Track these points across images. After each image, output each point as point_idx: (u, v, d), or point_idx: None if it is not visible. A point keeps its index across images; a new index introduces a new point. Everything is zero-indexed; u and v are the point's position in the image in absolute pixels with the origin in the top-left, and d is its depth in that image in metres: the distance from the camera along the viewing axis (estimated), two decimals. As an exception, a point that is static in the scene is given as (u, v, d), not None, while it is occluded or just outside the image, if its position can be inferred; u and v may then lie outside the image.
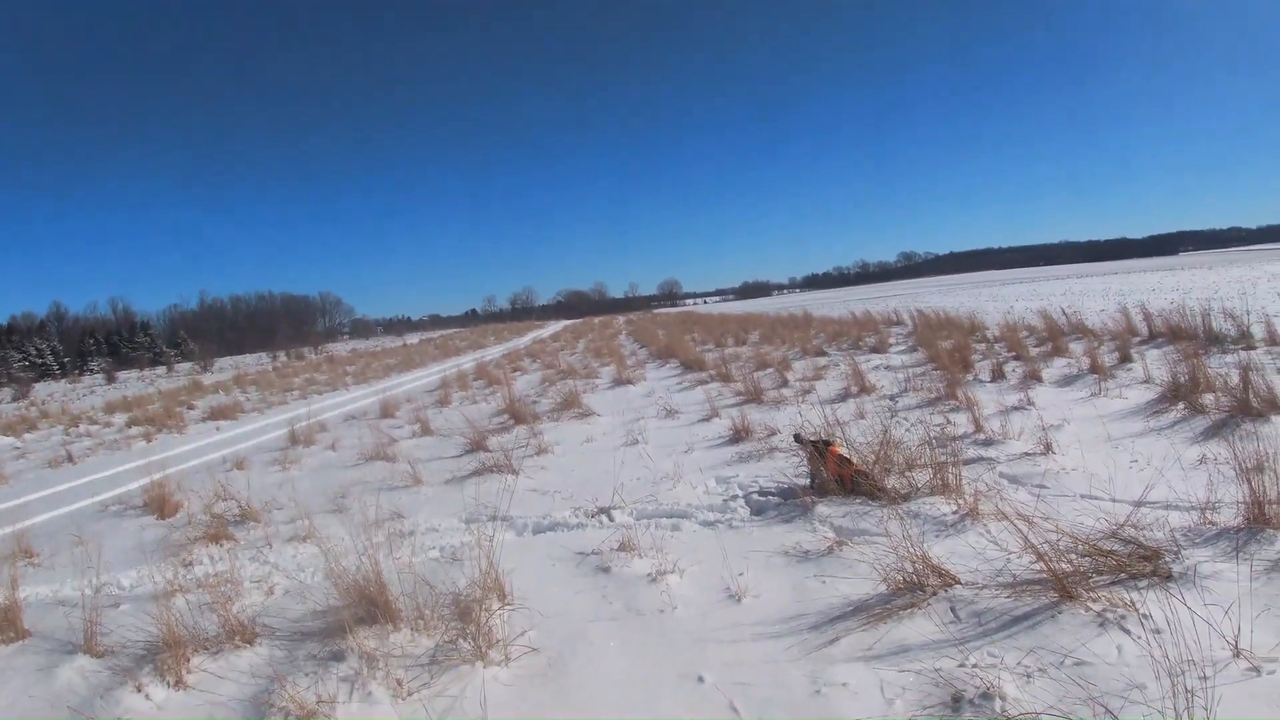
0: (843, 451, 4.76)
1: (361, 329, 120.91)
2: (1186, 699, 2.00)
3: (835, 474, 4.60)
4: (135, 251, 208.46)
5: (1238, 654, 2.38)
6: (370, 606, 3.32)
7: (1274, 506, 3.30)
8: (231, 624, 3.41)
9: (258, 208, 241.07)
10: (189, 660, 3.21)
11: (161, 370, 62.16)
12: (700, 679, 2.70)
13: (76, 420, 17.37)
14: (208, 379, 34.68)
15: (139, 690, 3.05)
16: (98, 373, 66.81)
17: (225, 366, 52.87)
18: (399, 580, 3.46)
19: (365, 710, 2.72)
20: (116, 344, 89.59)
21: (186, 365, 61.29)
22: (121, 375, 56.91)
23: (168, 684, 3.09)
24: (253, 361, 57.16)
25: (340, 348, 71.79)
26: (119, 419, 16.48)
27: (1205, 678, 2.23)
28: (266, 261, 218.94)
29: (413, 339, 69.40)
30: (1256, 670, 2.31)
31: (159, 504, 6.54)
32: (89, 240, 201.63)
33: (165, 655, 3.19)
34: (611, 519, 4.83)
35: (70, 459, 10.74)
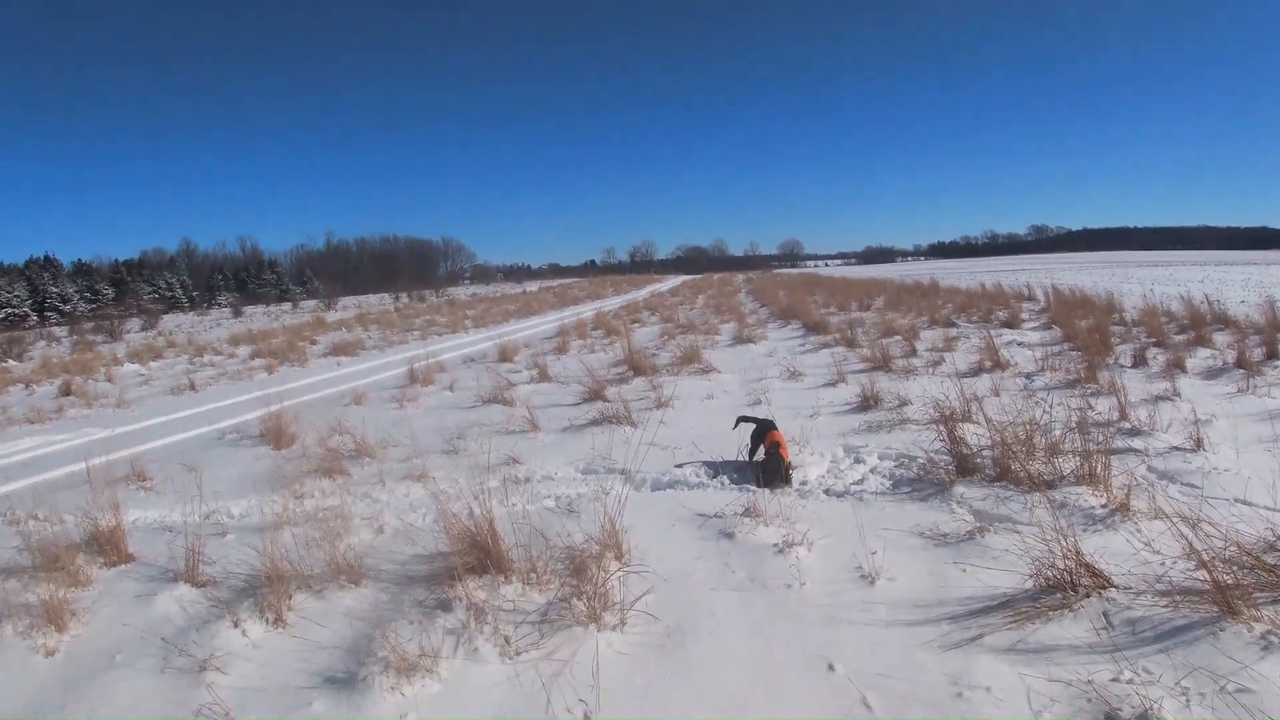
0: (782, 438, 4.67)
1: (482, 274, 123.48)
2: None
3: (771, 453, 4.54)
4: (264, 193, 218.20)
5: None
6: (481, 555, 3.23)
7: None
8: (338, 563, 3.37)
9: (384, 151, 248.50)
10: (291, 598, 3.17)
11: (287, 306, 65.86)
12: (831, 667, 2.51)
13: (202, 350, 18.38)
14: (331, 316, 36.71)
15: (236, 625, 3.01)
16: (225, 307, 71.18)
17: (349, 305, 55.36)
18: (514, 530, 3.38)
19: (469, 667, 2.64)
20: (244, 280, 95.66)
21: (311, 303, 64.51)
22: (248, 310, 60.52)
23: (267, 621, 3.05)
24: (375, 301, 59.95)
25: (461, 292, 73.95)
26: (243, 351, 17.36)
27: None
28: (391, 205, 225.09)
29: (532, 287, 70.12)
30: None
31: (275, 435, 6.67)
32: (219, 180, 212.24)
33: (267, 590, 3.15)
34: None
35: (193, 387, 11.34)
